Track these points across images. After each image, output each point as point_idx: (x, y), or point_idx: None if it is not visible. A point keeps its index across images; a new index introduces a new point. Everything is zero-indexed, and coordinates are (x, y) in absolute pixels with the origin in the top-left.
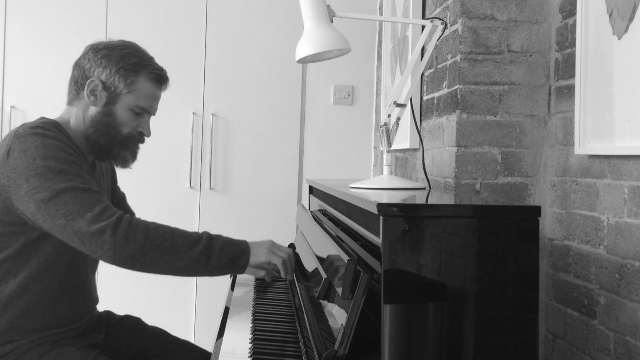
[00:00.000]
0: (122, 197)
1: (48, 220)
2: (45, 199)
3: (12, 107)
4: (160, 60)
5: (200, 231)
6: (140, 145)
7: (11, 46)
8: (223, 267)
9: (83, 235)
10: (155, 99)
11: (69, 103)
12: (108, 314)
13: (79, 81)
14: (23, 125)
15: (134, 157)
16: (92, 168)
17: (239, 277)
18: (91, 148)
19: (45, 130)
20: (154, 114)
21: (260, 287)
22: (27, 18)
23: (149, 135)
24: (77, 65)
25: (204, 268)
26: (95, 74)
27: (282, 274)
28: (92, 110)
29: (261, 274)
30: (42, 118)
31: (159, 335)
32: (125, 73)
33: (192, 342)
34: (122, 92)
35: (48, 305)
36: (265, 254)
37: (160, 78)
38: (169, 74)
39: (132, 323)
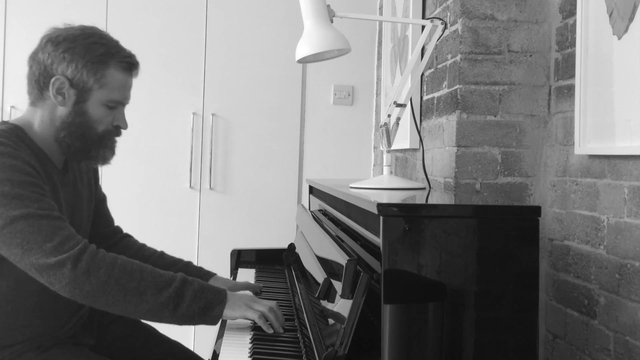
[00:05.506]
0: (103, 199)
1: (4, 248)
2: None
3: (12, 107)
4: (160, 61)
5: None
6: (118, 138)
7: (11, 46)
8: (192, 316)
9: (41, 267)
10: (128, 88)
11: (32, 104)
12: (101, 313)
13: (40, 79)
14: None
15: (112, 152)
16: (63, 172)
17: (240, 276)
18: (65, 152)
19: (0, 146)
20: (128, 103)
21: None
22: (27, 18)
23: (125, 128)
24: (35, 59)
25: (171, 314)
26: (60, 70)
27: (266, 330)
28: (61, 110)
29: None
30: (3, 123)
31: (155, 338)
32: (94, 67)
33: (192, 342)
34: (92, 87)
35: (26, 320)
36: (240, 308)
37: (130, 66)
38: (169, 74)
39: (126, 324)
